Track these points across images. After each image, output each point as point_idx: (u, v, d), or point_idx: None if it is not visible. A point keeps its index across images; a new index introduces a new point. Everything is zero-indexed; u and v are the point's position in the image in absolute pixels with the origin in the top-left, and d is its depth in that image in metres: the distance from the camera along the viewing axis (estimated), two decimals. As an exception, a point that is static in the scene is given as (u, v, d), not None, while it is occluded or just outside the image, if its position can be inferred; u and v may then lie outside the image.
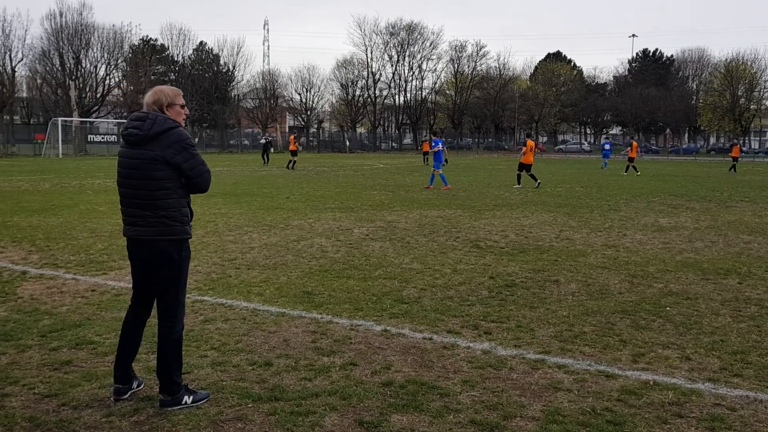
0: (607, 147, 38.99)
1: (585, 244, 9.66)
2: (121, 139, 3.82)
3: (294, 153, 32.14)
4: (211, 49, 73.76)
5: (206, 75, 71.75)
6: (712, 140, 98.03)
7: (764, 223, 12.25)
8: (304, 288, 6.65)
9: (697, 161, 57.16)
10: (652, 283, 7.03)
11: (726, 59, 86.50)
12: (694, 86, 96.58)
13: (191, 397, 3.78)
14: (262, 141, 34.13)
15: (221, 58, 73.74)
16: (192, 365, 4.41)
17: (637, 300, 6.27)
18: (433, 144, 21.17)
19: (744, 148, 39.33)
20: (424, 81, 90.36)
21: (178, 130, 3.68)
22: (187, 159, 3.67)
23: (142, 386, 4.01)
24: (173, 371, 3.78)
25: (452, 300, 6.25)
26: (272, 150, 36.60)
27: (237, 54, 73.97)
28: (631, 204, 15.63)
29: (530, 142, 21.07)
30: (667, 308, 5.98)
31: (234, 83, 75.49)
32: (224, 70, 73.92)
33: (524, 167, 20.83)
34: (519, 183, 20.77)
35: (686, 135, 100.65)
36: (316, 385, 4.10)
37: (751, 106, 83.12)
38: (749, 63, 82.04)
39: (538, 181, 20.68)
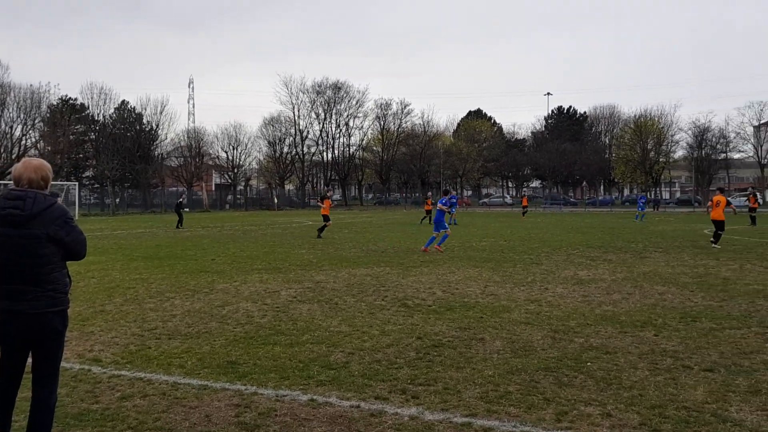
0: (642, 201, 42.53)
1: (509, 299, 9.85)
2: None
3: (326, 218, 24.18)
4: (134, 107, 72.65)
5: (128, 134, 70.35)
6: (626, 192, 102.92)
7: (676, 273, 12.84)
8: (228, 357, 6.46)
9: (612, 212, 59.77)
10: (573, 338, 7.21)
11: (635, 115, 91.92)
12: (607, 141, 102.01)
13: None
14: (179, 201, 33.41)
15: (144, 117, 72.62)
16: (106, 448, 4.18)
17: (559, 356, 6.40)
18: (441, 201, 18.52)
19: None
20: (352, 138, 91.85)
21: (57, 205, 3.81)
22: (69, 232, 3.81)
23: None
24: None
25: (380, 363, 6.21)
26: (185, 210, 35.78)
27: (161, 112, 72.99)
28: (552, 257, 16.11)
29: (720, 198, 18.87)
30: (588, 363, 6.13)
31: (157, 142, 74.26)
32: (147, 129, 72.71)
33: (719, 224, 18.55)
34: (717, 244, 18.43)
35: (602, 187, 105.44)
36: (239, 464, 3.95)
37: (660, 159, 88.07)
38: (656, 119, 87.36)
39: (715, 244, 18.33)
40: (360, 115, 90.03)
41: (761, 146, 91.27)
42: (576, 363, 6.15)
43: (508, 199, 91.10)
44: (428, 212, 35.01)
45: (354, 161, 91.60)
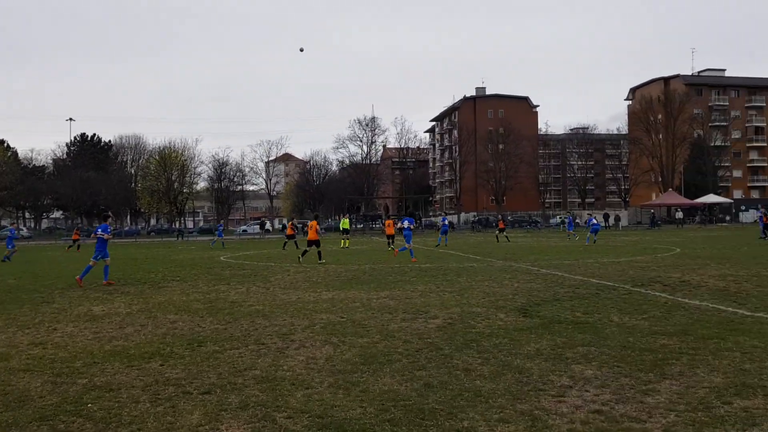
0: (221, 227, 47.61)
1: (9, 345, 8.88)
2: None
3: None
4: None
5: None
6: (153, 221, 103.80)
7: (190, 300, 13.47)
8: None
9: (138, 243, 59.48)
10: (77, 379, 6.90)
11: (160, 147, 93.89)
12: (133, 171, 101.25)
13: None
14: None
15: None
16: None
17: (58, 402, 6.05)
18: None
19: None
20: None
21: None
22: None
23: None
24: None
25: None
26: None
27: None
28: (67, 294, 15.14)
29: (313, 222, 24.58)
30: (89, 405, 5.95)
31: None
32: None
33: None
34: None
35: (128, 217, 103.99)
36: None
37: (184, 190, 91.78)
38: (180, 151, 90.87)
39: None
40: None
41: (270, 180, 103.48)
42: (76, 407, 5.89)
43: (25, 232, 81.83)
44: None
45: None
